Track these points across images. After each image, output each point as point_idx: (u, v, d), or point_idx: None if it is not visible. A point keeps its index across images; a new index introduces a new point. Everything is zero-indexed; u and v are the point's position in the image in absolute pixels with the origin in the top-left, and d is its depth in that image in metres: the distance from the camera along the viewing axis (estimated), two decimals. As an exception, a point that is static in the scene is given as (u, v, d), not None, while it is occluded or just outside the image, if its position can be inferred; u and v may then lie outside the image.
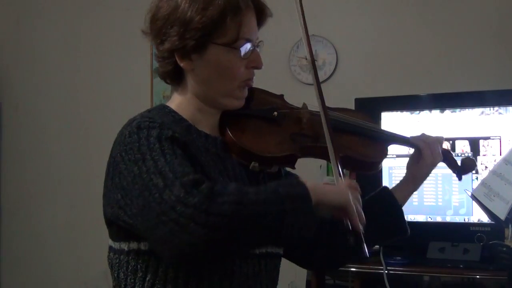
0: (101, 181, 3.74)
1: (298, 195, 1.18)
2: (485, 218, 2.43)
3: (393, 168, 2.61)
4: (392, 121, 2.66)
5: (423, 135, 1.62)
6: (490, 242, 2.29)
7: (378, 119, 2.65)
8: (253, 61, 1.37)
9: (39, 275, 3.83)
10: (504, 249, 2.11)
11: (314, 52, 3.27)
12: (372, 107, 2.72)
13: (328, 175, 2.83)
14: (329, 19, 3.31)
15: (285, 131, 1.44)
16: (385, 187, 1.59)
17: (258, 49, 1.38)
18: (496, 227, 2.25)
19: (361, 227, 1.26)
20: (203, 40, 1.30)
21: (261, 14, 1.39)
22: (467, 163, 1.68)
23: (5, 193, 3.96)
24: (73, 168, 3.78)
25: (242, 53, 1.34)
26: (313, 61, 1.46)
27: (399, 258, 2.49)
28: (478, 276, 2.41)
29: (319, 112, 1.47)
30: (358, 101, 2.75)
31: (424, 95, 2.74)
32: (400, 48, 3.18)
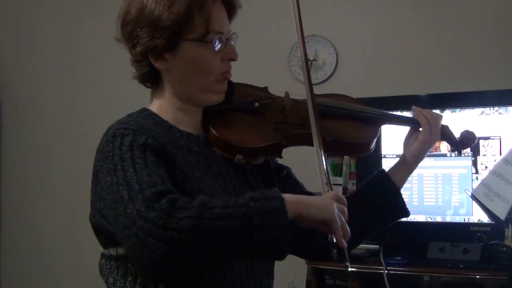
0: (101, 181, 3.62)
1: (271, 209, 1.12)
2: (485, 218, 2.43)
3: (393, 168, 2.61)
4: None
5: (419, 110, 1.59)
6: (490, 242, 2.29)
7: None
8: (228, 54, 1.35)
9: (39, 275, 3.83)
10: (504, 249, 2.11)
11: (314, 52, 3.31)
12: (372, 107, 2.71)
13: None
14: (329, 19, 3.31)
15: (268, 121, 1.43)
16: (382, 170, 1.56)
17: (232, 42, 1.37)
18: (496, 227, 2.25)
19: (344, 242, 1.21)
20: (174, 37, 1.30)
21: (230, 6, 1.38)
22: (466, 136, 1.65)
23: (5, 193, 3.95)
24: (73, 168, 3.77)
25: (215, 46, 1.32)
26: (304, 50, 1.50)
27: (399, 258, 2.49)
28: (478, 276, 2.41)
29: (302, 99, 1.47)
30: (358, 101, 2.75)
31: (424, 95, 2.75)
32: (400, 48, 3.18)
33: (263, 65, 3.23)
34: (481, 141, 2.53)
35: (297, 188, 1.54)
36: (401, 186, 1.54)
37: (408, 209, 1.54)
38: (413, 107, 1.61)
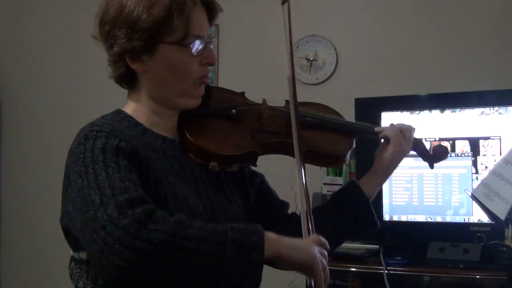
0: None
1: (249, 243, 1.10)
2: (485, 218, 2.43)
3: (393, 168, 2.61)
4: (392, 121, 2.65)
5: (392, 124, 1.58)
6: (490, 242, 2.29)
7: (378, 119, 2.65)
8: (206, 58, 1.34)
9: (39, 275, 3.83)
10: (504, 249, 2.11)
11: (314, 52, 3.31)
12: (372, 107, 2.72)
13: (328, 175, 2.83)
14: (329, 19, 3.31)
15: (245, 128, 1.42)
16: (353, 180, 1.55)
17: (211, 46, 1.36)
18: (496, 227, 2.25)
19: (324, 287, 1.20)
20: (152, 40, 1.28)
21: (211, 10, 1.37)
22: (439, 150, 1.64)
23: (5, 193, 3.95)
24: (73, 168, 3.78)
25: (193, 50, 1.31)
26: (291, 57, 1.50)
27: (399, 258, 2.49)
28: (478, 276, 2.41)
29: (280, 107, 1.46)
30: (358, 101, 2.75)
31: (424, 95, 2.75)
32: (400, 48, 3.18)
33: (263, 65, 3.23)
34: (481, 141, 2.53)
35: (270, 196, 1.54)
36: (372, 197, 1.53)
37: (377, 221, 1.53)
38: (376, 128, 1.58)
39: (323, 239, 1.25)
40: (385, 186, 2.62)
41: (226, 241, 1.09)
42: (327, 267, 1.21)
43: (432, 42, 3.12)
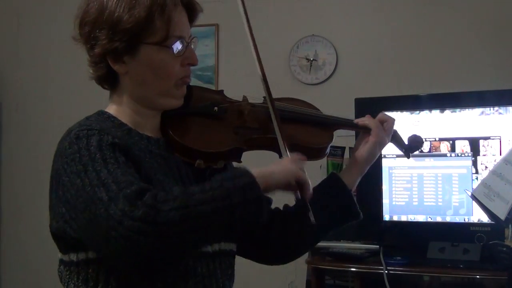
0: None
1: (244, 185, 1.16)
2: (485, 218, 2.43)
3: (393, 168, 2.61)
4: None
5: (370, 117, 1.59)
6: (490, 242, 2.29)
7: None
8: (188, 58, 1.34)
9: (39, 275, 3.83)
10: (504, 249, 2.11)
11: (314, 52, 3.31)
12: (372, 107, 2.71)
13: (328, 173, 2.82)
14: (329, 19, 3.31)
15: (228, 125, 1.43)
16: (333, 173, 1.57)
17: (192, 46, 1.36)
18: (496, 227, 2.25)
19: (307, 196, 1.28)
20: (133, 41, 1.29)
21: (191, 11, 1.38)
22: (414, 140, 1.66)
23: (5, 193, 3.96)
24: (73, 168, 3.78)
25: (175, 50, 1.31)
26: (256, 49, 1.47)
27: (399, 258, 2.49)
28: (478, 276, 2.40)
29: (260, 103, 1.47)
30: (358, 101, 2.75)
31: (424, 95, 2.74)
32: (400, 48, 3.18)
33: (263, 65, 3.22)
34: (481, 141, 2.53)
35: None
36: (353, 188, 1.54)
37: (360, 212, 1.54)
38: (355, 120, 1.60)
39: (298, 156, 1.32)
40: (385, 186, 2.62)
41: (228, 192, 1.14)
42: (306, 179, 1.28)
43: (432, 42, 3.12)
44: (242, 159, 1.44)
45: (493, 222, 2.13)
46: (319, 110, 1.59)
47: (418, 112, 2.64)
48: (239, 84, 3.00)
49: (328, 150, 1.54)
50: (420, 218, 2.60)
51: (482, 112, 2.55)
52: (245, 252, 1.51)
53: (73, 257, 1.26)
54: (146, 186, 1.14)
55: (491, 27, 3.02)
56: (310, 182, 1.29)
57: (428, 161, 2.57)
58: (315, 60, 3.29)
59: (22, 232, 3.89)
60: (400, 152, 1.68)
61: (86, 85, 4.19)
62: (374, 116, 1.60)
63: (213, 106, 1.42)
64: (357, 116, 2.63)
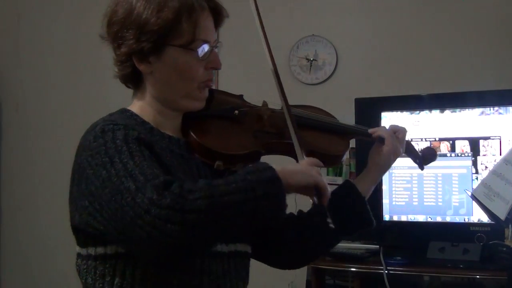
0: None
1: (268, 179, 1.19)
2: (485, 218, 2.43)
3: (393, 168, 2.60)
4: (392, 121, 2.66)
5: (384, 127, 1.62)
6: (490, 242, 2.29)
7: (378, 119, 2.65)
8: (212, 62, 1.37)
9: (39, 275, 3.83)
10: (504, 249, 2.11)
11: (314, 52, 3.31)
12: (372, 107, 2.72)
13: (328, 174, 2.83)
14: (329, 19, 3.31)
15: (247, 129, 1.45)
16: (348, 181, 1.59)
17: (217, 50, 1.39)
18: (496, 227, 2.25)
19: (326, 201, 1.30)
20: (160, 42, 1.31)
21: (218, 16, 1.40)
22: (428, 152, 1.68)
23: (5, 193, 3.96)
24: (73, 168, 3.77)
25: (200, 54, 1.34)
26: (271, 54, 1.50)
27: (399, 258, 2.49)
28: (478, 276, 2.41)
29: (279, 109, 1.48)
30: (358, 101, 2.75)
31: (424, 95, 2.74)
32: (400, 48, 3.18)
33: (263, 65, 3.22)
34: (481, 141, 2.53)
35: None
36: (367, 196, 1.56)
37: (373, 219, 1.55)
38: (369, 130, 1.61)
39: (316, 160, 1.34)
40: (385, 186, 2.62)
41: (252, 185, 1.17)
42: (326, 184, 1.30)
43: (432, 42, 3.12)
44: None
45: (493, 222, 2.13)
46: (336, 118, 1.62)
47: (418, 112, 2.64)
48: (239, 84, 3.00)
49: (344, 158, 1.56)
50: (420, 218, 2.60)
51: (482, 112, 2.55)
52: (259, 255, 1.53)
53: (91, 251, 1.28)
54: (172, 178, 1.16)
55: (491, 27, 3.02)
56: (328, 191, 1.31)
57: (428, 161, 2.57)
58: (315, 60, 3.29)
59: (22, 232, 3.89)
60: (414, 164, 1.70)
61: (86, 85, 4.21)
62: (375, 116, 1.62)
63: (233, 110, 1.45)
64: (357, 117, 2.66)
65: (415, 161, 1.68)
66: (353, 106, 2.72)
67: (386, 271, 2.41)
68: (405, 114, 2.66)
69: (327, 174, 2.81)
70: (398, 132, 1.59)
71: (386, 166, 1.58)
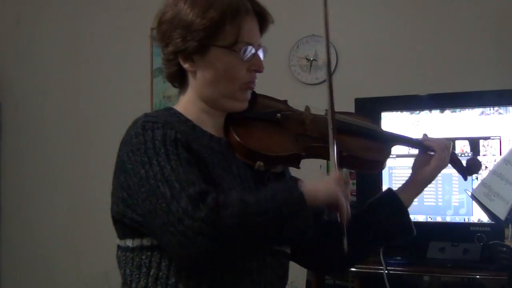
0: (101, 181, 3.75)
1: (295, 200, 1.24)
2: (485, 218, 2.43)
3: (393, 168, 2.61)
4: (392, 121, 2.66)
5: (432, 138, 1.63)
6: (490, 242, 2.29)
7: (378, 119, 2.65)
8: (254, 65, 1.40)
9: (39, 276, 3.83)
10: (504, 249, 2.11)
11: (314, 52, 3.31)
12: (372, 107, 2.72)
13: (328, 174, 2.83)
14: (329, 19, 3.30)
15: (289, 132, 1.48)
16: (390, 189, 1.60)
17: (261, 54, 1.42)
18: (496, 227, 2.25)
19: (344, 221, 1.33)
20: (204, 42, 1.35)
21: (263, 20, 1.44)
22: (473, 163, 1.69)
23: (5, 193, 3.95)
24: (73, 168, 3.78)
25: (243, 56, 1.38)
26: (328, 62, 1.53)
27: (399, 258, 2.49)
28: (478, 276, 2.41)
29: (322, 115, 1.51)
30: (358, 101, 2.75)
31: (424, 95, 2.74)
32: (400, 48, 3.18)
33: (266, 66, 3.22)
34: (481, 141, 2.53)
35: None
36: (409, 205, 1.57)
37: (414, 229, 1.57)
38: (424, 136, 1.64)
39: (344, 177, 1.37)
40: (385, 186, 2.62)
41: (280, 205, 1.23)
42: (348, 202, 1.34)
43: (432, 42, 3.12)
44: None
45: (493, 222, 2.13)
46: (378, 126, 1.67)
47: (418, 112, 2.64)
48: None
49: (385, 164, 1.58)
50: (420, 218, 2.60)
51: (482, 112, 2.55)
52: (298, 258, 1.56)
53: (129, 242, 1.33)
54: (207, 188, 1.22)
55: (491, 27, 3.02)
56: (348, 207, 1.34)
57: (428, 161, 2.57)
58: (315, 60, 3.29)
59: (22, 232, 3.88)
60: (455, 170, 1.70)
61: (86, 85, 4.20)
62: (375, 116, 1.64)
63: (276, 113, 1.48)
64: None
65: (459, 172, 1.68)
66: (353, 106, 2.72)
67: (386, 271, 2.41)
68: (405, 114, 2.66)
69: (327, 174, 2.81)
70: (447, 148, 1.60)
71: (432, 179, 1.59)
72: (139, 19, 3.63)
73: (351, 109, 2.72)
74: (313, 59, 3.29)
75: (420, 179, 1.58)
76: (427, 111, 2.62)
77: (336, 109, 1.66)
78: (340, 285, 2.78)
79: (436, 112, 2.61)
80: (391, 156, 1.59)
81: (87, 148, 3.76)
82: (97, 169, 3.71)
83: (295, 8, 3.31)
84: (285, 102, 1.56)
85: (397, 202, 1.55)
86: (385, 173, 2.61)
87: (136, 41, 3.62)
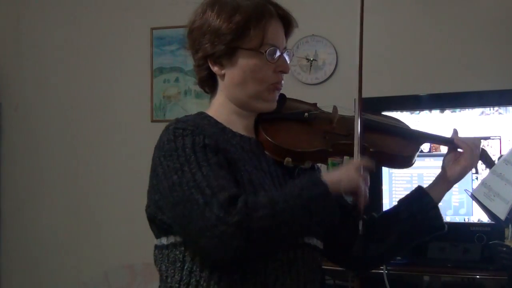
0: (101, 181, 3.74)
1: (320, 195, 1.32)
2: (485, 218, 2.43)
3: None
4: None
5: (463, 137, 1.67)
6: (490, 242, 2.29)
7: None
8: (280, 66, 1.47)
9: (39, 276, 3.83)
10: (504, 249, 2.11)
11: (314, 52, 3.31)
12: (372, 107, 2.70)
13: (328, 170, 2.82)
14: (329, 19, 3.31)
15: (317, 130, 1.54)
16: (420, 186, 1.64)
17: (286, 56, 1.49)
18: (496, 227, 2.25)
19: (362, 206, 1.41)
20: (231, 45, 1.43)
21: (287, 24, 1.52)
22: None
23: (5, 193, 3.95)
24: (73, 168, 3.77)
25: (268, 57, 1.44)
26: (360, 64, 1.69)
27: (399, 258, 2.49)
28: (478, 276, 2.41)
29: (349, 115, 1.58)
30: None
31: (424, 95, 2.74)
32: (400, 48, 3.18)
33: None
34: (481, 141, 2.52)
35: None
36: (439, 202, 1.62)
37: (445, 225, 1.64)
38: (454, 133, 1.69)
39: (364, 162, 1.44)
40: (385, 186, 2.62)
41: (306, 201, 1.30)
42: (367, 189, 1.42)
43: (432, 42, 3.12)
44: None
45: (493, 222, 2.13)
46: (408, 126, 1.70)
47: (418, 112, 2.64)
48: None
49: (414, 160, 1.61)
50: (420, 218, 2.59)
51: (482, 112, 2.55)
52: (331, 256, 1.62)
53: (164, 240, 1.40)
54: (237, 192, 1.29)
55: (491, 27, 3.02)
56: (367, 192, 1.41)
57: (428, 161, 2.57)
58: (315, 60, 3.29)
59: (22, 232, 3.88)
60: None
61: (86, 86, 4.19)
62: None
63: (304, 113, 1.55)
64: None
65: (487, 166, 1.74)
66: (353, 106, 2.72)
67: (386, 271, 2.41)
68: (405, 114, 2.66)
69: (328, 170, 2.81)
70: (477, 147, 1.64)
71: (463, 176, 1.64)
72: (139, 19, 3.64)
73: (351, 109, 2.72)
74: (313, 59, 3.29)
75: (450, 176, 1.62)
76: (427, 111, 2.63)
77: (330, 106, 1.68)
78: (340, 285, 2.78)
79: (436, 112, 2.61)
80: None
81: (87, 148, 3.75)
82: (97, 169, 3.71)
83: (295, 8, 3.30)
84: (314, 104, 1.63)
85: (427, 198, 1.60)
86: (385, 172, 2.61)
87: (136, 41, 3.62)
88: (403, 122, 1.72)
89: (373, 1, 3.24)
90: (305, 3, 3.25)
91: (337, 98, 3.13)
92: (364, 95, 2.83)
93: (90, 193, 3.70)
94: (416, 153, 1.62)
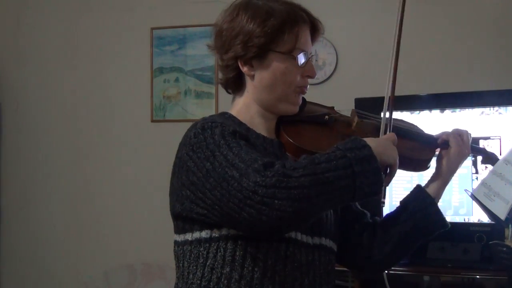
0: (100, 181, 3.74)
1: (365, 157, 1.30)
2: (485, 218, 2.43)
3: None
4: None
5: (447, 131, 1.69)
6: (490, 242, 2.29)
7: (378, 119, 2.65)
8: (308, 71, 1.51)
9: (39, 275, 3.83)
10: (504, 249, 2.11)
11: (314, 52, 3.31)
12: (372, 107, 2.71)
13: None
14: (329, 19, 3.30)
15: (336, 132, 1.58)
16: (418, 185, 1.66)
17: (312, 61, 1.53)
18: (496, 227, 2.25)
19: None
20: (264, 47, 1.46)
21: (315, 30, 1.56)
22: (492, 155, 1.80)
23: (5, 193, 3.95)
24: (73, 168, 3.77)
25: (298, 61, 1.49)
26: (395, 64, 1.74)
27: (399, 258, 2.48)
28: (478, 276, 2.41)
29: (367, 118, 1.65)
30: (358, 101, 2.75)
31: (424, 95, 2.74)
32: (400, 48, 3.17)
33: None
34: (481, 141, 2.53)
35: (352, 204, 1.67)
36: (438, 198, 1.64)
37: (447, 222, 1.64)
38: (434, 135, 1.70)
39: (393, 135, 1.49)
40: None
41: (350, 162, 1.28)
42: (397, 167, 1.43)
43: (432, 42, 3.12)
44: None
45: (493, 222, 2.13)
46: (423, 131, 1.74)
47: (418, 112, 2.64)
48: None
49: (429, 164, 1.67)
50: (420, 218, 2.59)
51: (482, 112, 2.55)
52: (342, 259, 1.61)
53: (188, 236, 1.41)
54: (270, 160, 1.29)
55: (491, 27, 3.02)
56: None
57: (428, 161, 2.57)
58: (315, 60, 3.29)
59: (22, 232, 3.88)
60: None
61: (86, 86, 4.19)
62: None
63: (324, 115, 1.59)
64: (357, 116, 2.65)
65: (483, 157, 1.81)
66: (353, 106, 2.72)
67: (386, 271, 2.40)
68: (405, 114, 2.66)
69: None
70: (462, 135, 1.67)
71: (454, 166, 1.66)
72: (139, 19, 3.64)
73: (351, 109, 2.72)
74: (313, 59, 3.29)
75: (442, 170, 1.65)
76: (427, 111, 2.63)
77: (337, 108, 1.70)
78: (340, 285, 2.78)
79: (436, 112, 2.61)
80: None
81: (87, 148, 3.75)
82: (97, 169, 3.71)
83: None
84: (332, 108, 1.66)
85: (423, 194, 1.62)
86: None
87: (136, 41, 3.62)
88: (417, 126, 1.76)
89: (373, 1, 3.25)
90: (305, 4, 3.25)
91: (337, 98, 3.14)
92: (364, 95, 2.85)
93: (90, 193, 3.70)
94: (431, 157, 1.66)
